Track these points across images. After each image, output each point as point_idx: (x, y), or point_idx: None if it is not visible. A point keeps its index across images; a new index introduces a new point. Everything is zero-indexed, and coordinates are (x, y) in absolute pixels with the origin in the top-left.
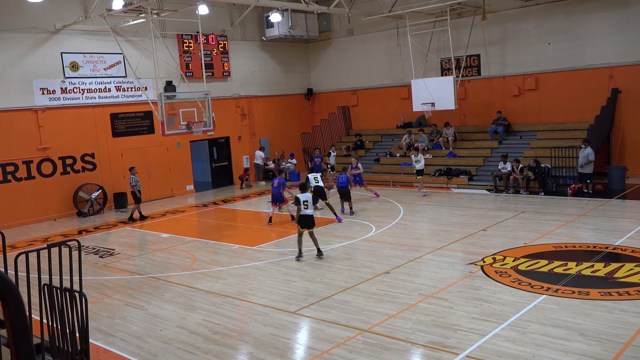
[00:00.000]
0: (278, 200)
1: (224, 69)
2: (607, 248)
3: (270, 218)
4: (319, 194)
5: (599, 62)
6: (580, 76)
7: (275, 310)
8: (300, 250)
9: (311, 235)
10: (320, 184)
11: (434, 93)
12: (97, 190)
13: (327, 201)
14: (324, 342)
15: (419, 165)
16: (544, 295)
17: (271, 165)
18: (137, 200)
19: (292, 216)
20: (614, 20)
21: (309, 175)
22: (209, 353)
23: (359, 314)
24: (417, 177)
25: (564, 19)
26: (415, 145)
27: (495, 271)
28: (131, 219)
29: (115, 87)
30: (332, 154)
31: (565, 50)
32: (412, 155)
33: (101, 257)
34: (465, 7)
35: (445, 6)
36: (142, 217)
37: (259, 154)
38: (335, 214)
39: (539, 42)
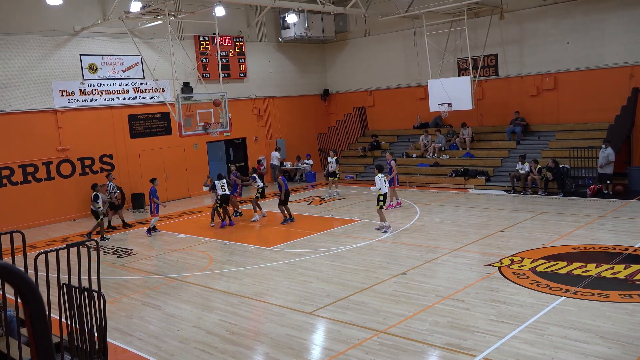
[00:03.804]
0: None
1: (240, 70)
2: (627, 250)
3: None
4: (224, 201)
5: (619, 61)
6: (600, 75)
7: (291, 310)
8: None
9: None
10: (227, 192)
11: (451, 93)
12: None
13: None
14: (340, 342)
15: (374, 189)
16: (563, 297)
17: (287, 165)
18: (114, 208)
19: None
20: (633, 18)
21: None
22: (226, 353)
23: (375, 315)
24: (377, 208)
25: (583, 17)
26: (377, 162)
27: (513, 272)
28: (110, 227)
29: (133, 88)
30: (331, 159)
31: (584, 49)
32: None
33: (119, 257)
34: (483, 6)
35: (462, 6)
36: (110, 227)
37: (275, 154)
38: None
39: (558, 41)
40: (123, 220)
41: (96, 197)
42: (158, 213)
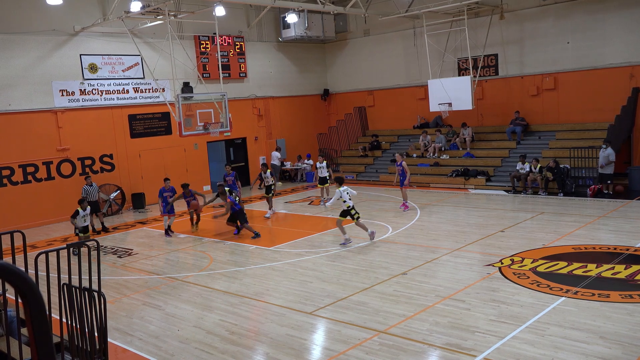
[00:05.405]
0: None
1: (240, 70)
2: (628, 250)
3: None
4: (240, 216)
5: (619, 61)
6: (600, 75)
7: (291, 310)
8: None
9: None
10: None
11: (451, 93)
12: (116, 191)
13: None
14: (340, 343)
15: (345, 205)
16: (563, 298)
17: (288, 165)
18: (93, 210)
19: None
20: (633, 18)
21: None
22: (226, 353)
23: (376, 315)
24: (354, 222)
25: (583, 17)
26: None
27: (514, 273)
28: (104, 229)
29: (133, 88)
30: (320, 165)
31: (585, 49)
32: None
33: (119, 257)
34: (483, 6)
35: (463, 5)
36: (105, 229)
37: (275, 154)
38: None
39: (558, 41)
40: (92, 227)
41: (76, 213)
42: (172, 213)
